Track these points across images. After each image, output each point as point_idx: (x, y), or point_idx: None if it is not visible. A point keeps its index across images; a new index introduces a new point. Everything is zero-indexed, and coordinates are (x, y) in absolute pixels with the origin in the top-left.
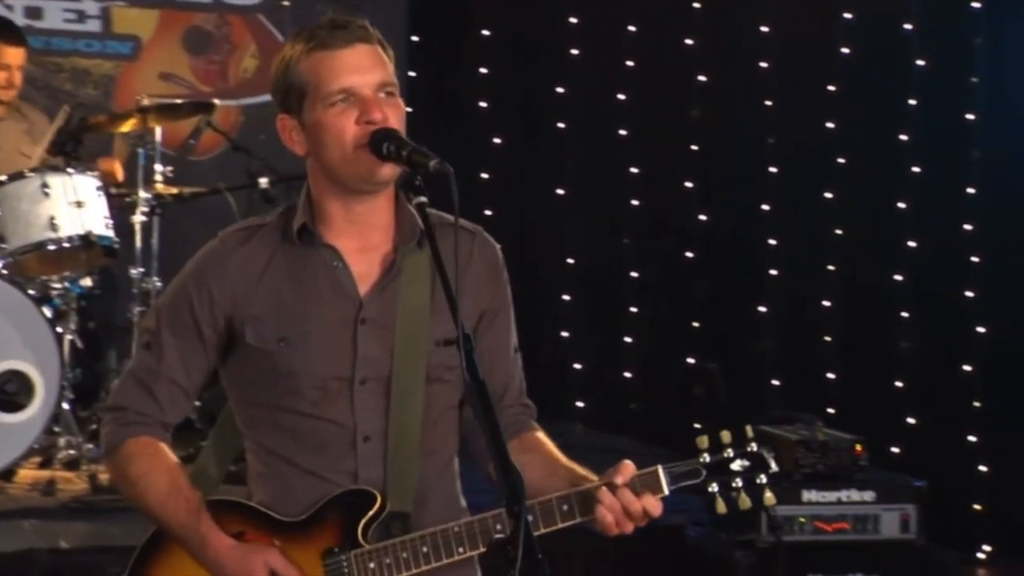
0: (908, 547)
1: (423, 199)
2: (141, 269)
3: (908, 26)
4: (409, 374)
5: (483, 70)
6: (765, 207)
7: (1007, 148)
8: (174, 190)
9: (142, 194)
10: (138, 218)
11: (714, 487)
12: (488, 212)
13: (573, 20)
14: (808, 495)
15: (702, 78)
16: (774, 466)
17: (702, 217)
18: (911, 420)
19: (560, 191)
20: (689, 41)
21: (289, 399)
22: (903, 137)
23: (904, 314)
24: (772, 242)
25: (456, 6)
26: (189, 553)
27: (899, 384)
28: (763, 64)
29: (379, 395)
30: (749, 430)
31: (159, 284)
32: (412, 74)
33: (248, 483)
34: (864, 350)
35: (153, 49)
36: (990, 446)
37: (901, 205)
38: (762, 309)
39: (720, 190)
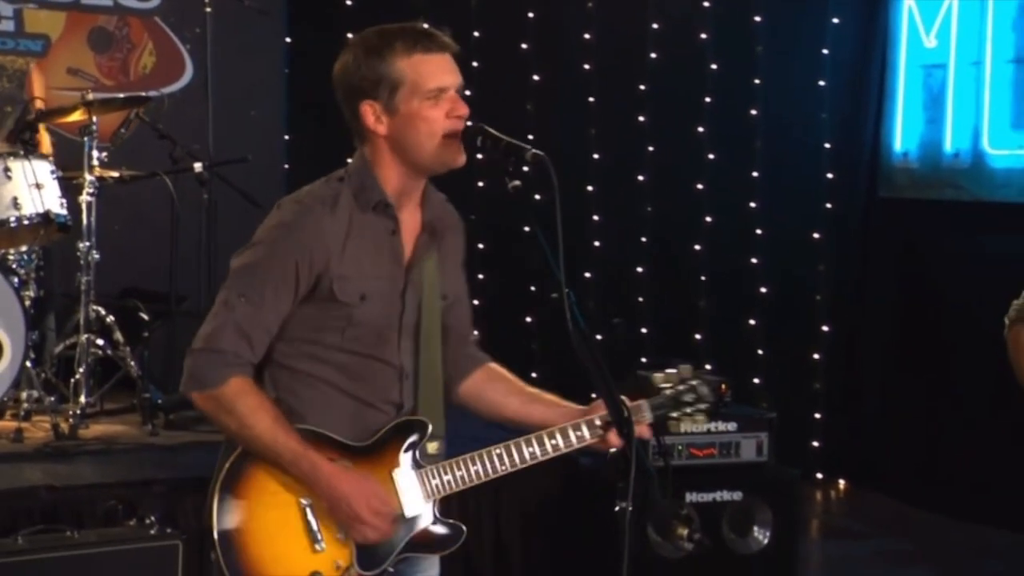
0: (762, 468)
1: (517, 183)
2: (88, 243)
3: (704, 35)
4: (432, 324)
5: None
6: (590, 188)
7: (785, 138)
8: (115, 173)
9: (88, 177)
10: (84, 198)
11: (675, 413)
12: None
13: (427, 26)
14: (684, 426)
15: (536, 77)
16: (711, 397)
17: (537, 197)
18: (708, 367)
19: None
20: (524, 46)
21: (352, 342)
22: (700, 129)
23: (703, 278)
24: (596, 218)
25: (326, 13)
26: (296, 475)
27: (698, 336)
28: (586, 66)
29: (412, 340)
30: (687, 369)
31: (97, 256)
32: (287, 71)
33: (292, 410)
34: (670, 309)
35: (61, 47)
36: (771, 388)
37: (700, 186)
38: (587, 275)
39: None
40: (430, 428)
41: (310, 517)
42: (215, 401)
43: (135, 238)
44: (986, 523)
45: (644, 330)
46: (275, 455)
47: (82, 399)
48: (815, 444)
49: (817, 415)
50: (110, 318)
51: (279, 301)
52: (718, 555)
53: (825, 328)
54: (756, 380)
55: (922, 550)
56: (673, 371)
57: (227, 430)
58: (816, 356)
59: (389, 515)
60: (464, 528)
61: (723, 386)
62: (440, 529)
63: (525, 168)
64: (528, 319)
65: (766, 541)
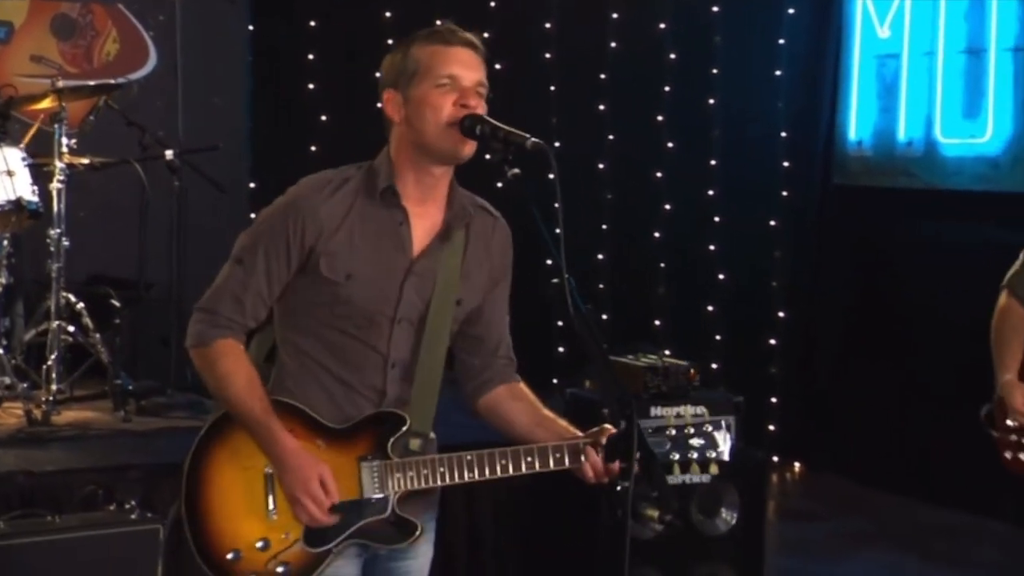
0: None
1: (517, 171)
2: (58, 230)
3: (662, 25)
4: (440, 321)
5: (310, 56)
6: (551, 176)
7: (742, 127)
8: (85, 160)
9: (58, 164)
10: (55, 185)
11: (675, 457)
12: None
13: (388, 14)
14: (655, 410)
15: (498, 66)
16: (722, 445)
17: (499, 185)
18: (667, 352)
19: None
20: (487, 34)
21: (340, 321)
22: (659, 118)
23: (662, 264)
24: (556, 205)
25: (290, 2)
26: (257, 443)
27: (658, 322)
28: (547, 55)
29: (410, 333)
30: (706, 413)
31: (67, 243)
32: (250, 59)
33: (281, 380)
34: (630, 294)
35: (25, 34)
36: (729, 373)
37: (659, 174)
38: (548, 262)
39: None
40: (408, 423)
41: (270, 485)
42: (202, 358)
43: (100, 225)
44: (939, 503)
45: (604, 316)
46: (242, 418)
47: (53, 386)
48: (771, 428)
49: (773, 399)
50: (80, 305)
51: (271, 269)
52: (687, 536)
53: (781, 314)
54: (714, 365)
55: (877, 530)
56: (653, 358)
57: (209, 387)
58: (772, 341)
59: (327, 504)
60: (419, 527)
61: (692, 371)
62: (394, 523)
63: (510, 157)
64: None
65: (733, 522)
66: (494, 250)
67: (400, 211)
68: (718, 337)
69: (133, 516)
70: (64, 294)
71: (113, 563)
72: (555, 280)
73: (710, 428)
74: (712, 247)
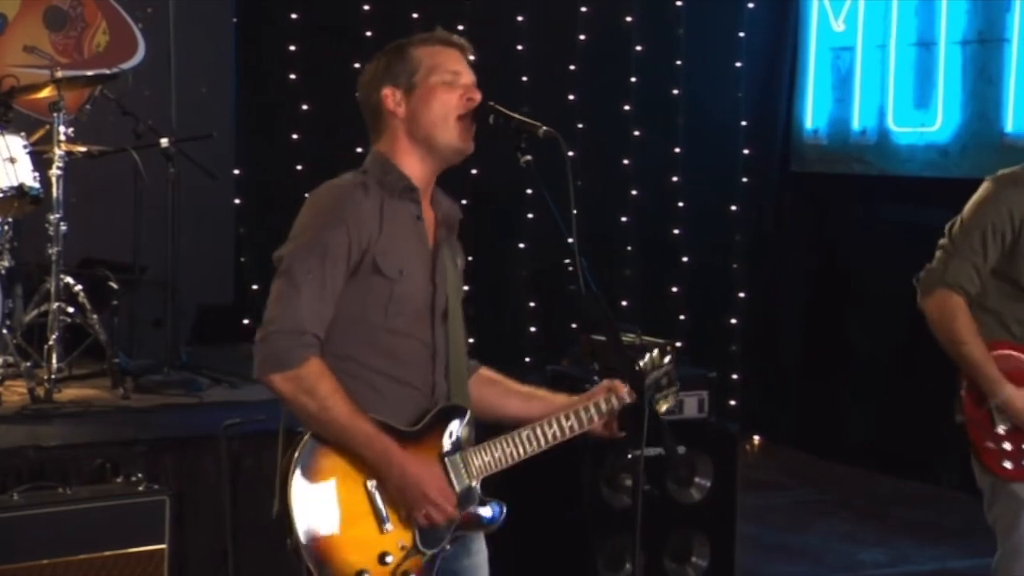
0: (704, 423)
1: (529, 158)
2: (58, 215)
3: (629, 18)
4: (457, 307)
5: (292, 47)
6: (522, 163)
7: (705, 116)
8: (83, 148)
9: (57, 152)
10: (54, 172)
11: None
12: (299, 167)
13: (366, 7)
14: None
15: (472, 57)
16: (674, 384)
17: (474, 171)
18: (631, 335)
19: (359, 149)
20: (461, 27)
21: (394, 320)
22: (627, 107)
23: (629, 248)
24: (528, 191)
25: None
26: (367, 457)
27: (624, 303)
28: (519, 47)
29: (441, 322)
30: (657, 355)
31: (65, 228)
32: (235, 49)
33: None
34: (599, 277)
35: (18, 26)
36: (692, 351)
37: (626, 161)
38: (521, 245)
39: (486, 150)
40: (469, 413)
41: (378, 499)
42: (295, 382)
43: (96, 211)
44: (896, 474)
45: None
46: (350, 437)
47: (54, 365)
48: (732, 403)
49: (734, 376)
50: (78, 287)
51: (337, 278)
52: (662, 505)
53: (742, 294)
54: (679, 344)
55: (840, 499)
56: (632, 337)
57: (304, 410)
58: (733, 320)
59: (452, 497)
60: (505, 506)
61: (668, 348)
62: (485, 508)
63: (523, 145)
64: None
65: (706, 492)
66: (456, 224)
67: (416, 206)
68: (682, 317)
69: (140, 488)
70: (63, 277)
71: (122, 532)
72: (568, 261)
73: (668, 367)
74: (676, 231)
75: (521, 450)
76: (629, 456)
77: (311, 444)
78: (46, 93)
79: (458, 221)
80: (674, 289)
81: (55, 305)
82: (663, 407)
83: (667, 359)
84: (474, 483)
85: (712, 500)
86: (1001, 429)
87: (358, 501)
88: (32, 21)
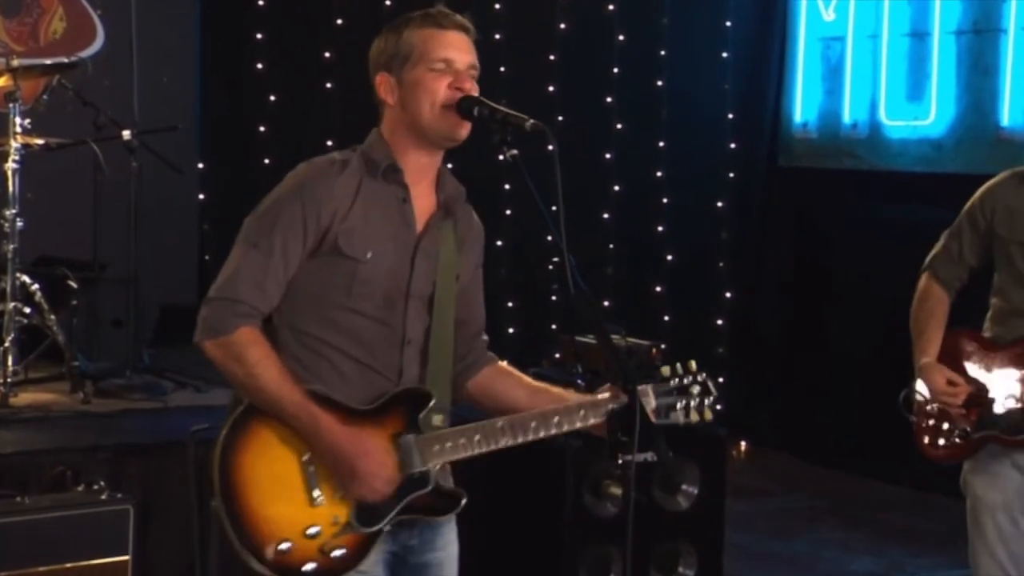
0: (691, 429)
1: (515, 152)
2: (14, 210)
3: (611, 7)
4: (446, 296)
5: (259, 35)
6: (500, 157)
7: (690, 109)
8: (40, 140)
9: (13, 144)
10: (10, 165)
11: (680, 404)
12: (266, 160)
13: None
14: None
15: (471, 37)
16: (714, 391)
17: (449, 165)
18: (616, 336)
19: (330, 143)
20: None
21: (358, 301)
22: (609, 99)
23: (611, 245)
24: (506, 187)
25: None
26: (298, 429)
27: (607, 303)
28: (497, 36)
29: (422, 309)
30: (693, 364)
31: (21, 224)
32: (199, 38)
33: (291, 370)
34: (579, 275)
35: None
36: (676, 353)
37: (608, 156)
38: (499, 243)
39: (464, 145)
40: (433, 399)
41: (310, 472)
42: (224, 349)
43: (52, 206)
44: (883, 479)
45: (554, 297)
46: (278, 406)
47: (9, 368)
48: (718, 407)
49: (720, 379)
50: (35, 286)
51: (288, 251)
52: (649, 513)
53: (728, 294)
54: (663, 345)
55: (828, 505)
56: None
57: (234, 378)
58: (719, 322)
59: (386, 475)
60: (464, 496)
61: (653, 351)
62: (439, 495)
63: (508, 138)
64: None
65: (693, 499)
66: (475, 232)
67: (402, 188)
68: (666, 317)
69: (103, 497)
70: (19, 276)
71: (84, 543)
72: (556, 259)
73: (703, 376)
74: (660, 228)
75: (492, 442)
76: (620, 461)
77: (248, 411)
78: (1, 83)
79: (469, 223)
80: (658, 289)
81: (10, 305)
82: (694, 418)
83: (703, 375)
84: (427, 467)
85: (700, 508)
86: (928, 406)
87: (290, 472)
88: None
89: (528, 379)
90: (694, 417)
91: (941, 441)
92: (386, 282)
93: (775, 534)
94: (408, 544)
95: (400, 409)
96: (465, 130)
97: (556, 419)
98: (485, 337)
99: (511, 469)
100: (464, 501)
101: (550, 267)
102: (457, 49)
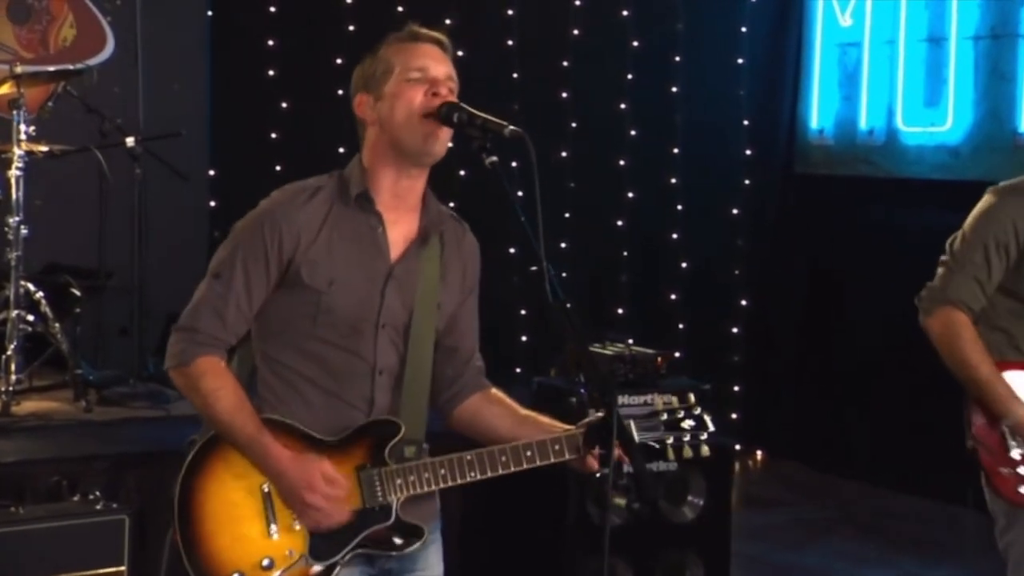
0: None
1: (495, 159)
2: (18, 218)
3: (625, 12)
4: (425, 325)
5: (270, 42)
6: (512, 163)
7: (704, 115)
8: (45, 147)
9: (17, 151)
10: (14, 173)
11: (669, 439)
12: (278, 167)
13: (349, 1)
14: (623, 398)
15: (460, 53)
16: (711, 426)
17: (462, 172)
18: (631, 341)
19: (341, 149)
20: (448, 21)
21: (324, 331)
22: (622, 105)
23: (625, 253)
24: (519, 193)
25: None
26: (250, 459)
27: (620, 311)
28: (509, 42)
29: (395, 340)
30: (692, 397)
31: (25, 232)
32: (209, 44)
33: (264, 398)
34: (592, 282)
35: None
36: (691, 361)
37: (622, 162)
38: (512, 251)
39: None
40: (402, 431)
41: (268, 503)
42: (184, 378)
43: (58, 213)
44: (899, 489)
45: (567, 304)
46: (231, 436)
47: (13, 376)
48: (734, 416)
49: (736, 387)
50: (39, 294)
51: (251, 283)
52: (653, 524)
53: (743, 302)
54: (677, 354)
55: (841, 516)
56: (621, 347)
57: (195, 406)
58: (735, 329)
59: (334, 508)
60: (425, 530)
61: (659, 359)
62: (399, 530)
63: (488, 145)
64: None
65: (700, 509)
66: (466, 257)
67: (375, 216)
68: (681, 325)
69: (98, 507)
70: (23, 283)
71: (79, 553)
72: (534, 268)
73: (699, 410)
74: (675, 235)
75: (458, 475)
76: (598, 475)
77: (213, 440)
78: (5, 90)
79: (461, 244)
80: (672, 296)
81: (14, 313)
82: (689, 454)
83: (698, 408)
84: (389, 501)
85: (705, 518)
86: (1016, 453)
87: (248, 503)
88: None
89: (516, 407)
90: (687, 454)
91: None
92: (353, 311)
93: (787, 545)
94: (386, 568)
95: (367, 441)
96: (444, 142)
97: (528, 454)
98: (479, 363)
99: (514, 479)
100: (425, 536)
101: (563, 274)
102: (432, 59)
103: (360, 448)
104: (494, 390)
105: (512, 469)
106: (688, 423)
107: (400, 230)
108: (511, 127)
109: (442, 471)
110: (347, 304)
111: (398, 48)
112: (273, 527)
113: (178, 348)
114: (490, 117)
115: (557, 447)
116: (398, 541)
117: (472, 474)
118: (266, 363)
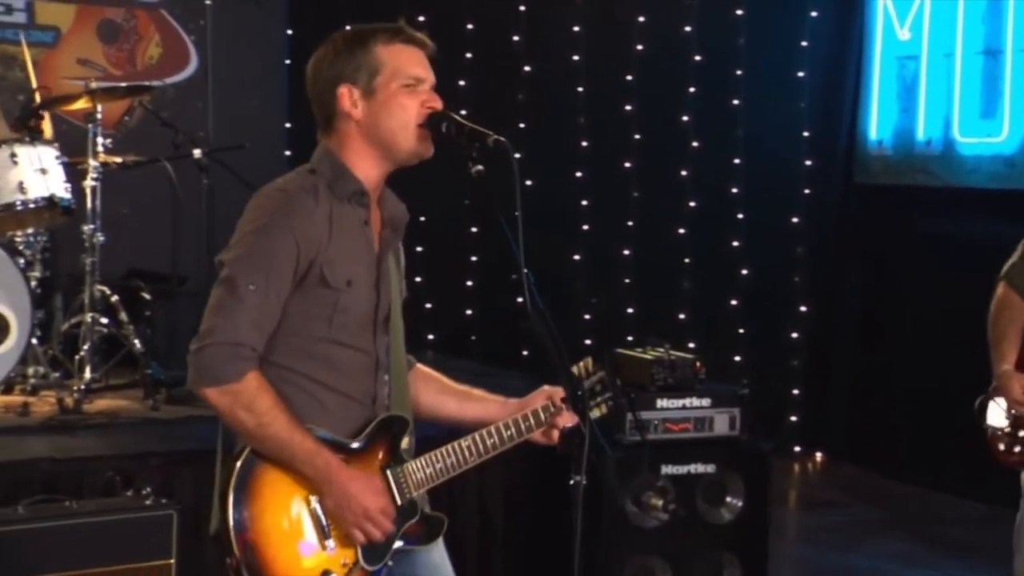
0: (735, 441)
1: (480, 168)
2: (92, 226)
3: (688, 28)
4: (398, 316)
5: None
6: (578, 174)
7: (765, 127)
8: (118, 159)
9: (92, 163)
10: (89, 183)
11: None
12: None
13: (422, 18)
14: (661, 403)
15: (527, 68)
16: (609, 389)
17: (529, 182)
18: (691, 345)
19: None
20: (516, 38)
21: (337, 331)
22: (685, 118)
23: (686, 260)
24: (584, 202)
25: (327, 5)
26: (307, 474)
27: (682, 316)
28: (575, 57)
29: (384, 331)
30: (591, 362)
31: (103, 239)
32: (288, 62)
33: None
34: (655, 290)
35: (71, 38)
36: (751, 366)
37: (683, 172)
38: (576, 257)
39: (541, 161)
40: (410, 424)
41: (320, 517)
42: (233, 396)
43: (137, 222)
44: (955, 493)
45: (630, 310)
46: (290, 453)
47: (87, 375)
48: (793, 419)
49: (795, 391)
50: (114, 297)
51: (281, 290)
52: (692, 524)
53: (803, 308)
54: (737, 358)
55: (895, 519)
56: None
57: (242, 426)
58: (794, 335)
59: (392, 512)
60: (445, 519)
61: (697, 364)
62: (426, 521)
63: (474, 154)
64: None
65: (737, 511)
66: (402, 228)
67: (365, 211)
68: (741, 330)
69: (148, 502)
70: (99, 287)
71: (129, 546)
72: (515, 276)
73: (600, 373)
74: (736, 243)
75: (461, 460)
76: (571, 482)
77: (250, 460)
78: (81, 104)
79: (404, 223)
80: (733, 302)
81: (88, 316)
82: (596, 413)
83: (601, 372)
84: (415, 496)
85: (743, 520)
86: (994, 419)
87: (300, 518)
88: (86, 34)
89: (449, 381)
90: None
91: (1017, 448)
92: (361, 309)
93: (837, 547)
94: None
95: (383, 439)
96: (431, 148)
97: (509, 433)
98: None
99: (551, 478)
100: (445, 526)
101: (626, 281)
102: (425, 68)
103: (378, 447)
104: (421, 366)
105: (499, 448)
106: (599, 387)
107: (375, 222)
108: (495, 137)
109: (450, 460)
110: (360, 301)
111: (395, 49)
112: (328, 540)
113: (219, 364)
114: (476, 127)
115: (528, 423)
116: (425, 533)
117: (471, 457)
118: (273, 370)
